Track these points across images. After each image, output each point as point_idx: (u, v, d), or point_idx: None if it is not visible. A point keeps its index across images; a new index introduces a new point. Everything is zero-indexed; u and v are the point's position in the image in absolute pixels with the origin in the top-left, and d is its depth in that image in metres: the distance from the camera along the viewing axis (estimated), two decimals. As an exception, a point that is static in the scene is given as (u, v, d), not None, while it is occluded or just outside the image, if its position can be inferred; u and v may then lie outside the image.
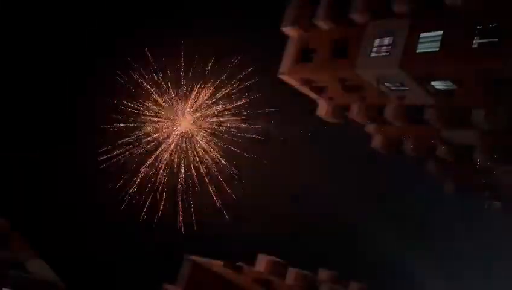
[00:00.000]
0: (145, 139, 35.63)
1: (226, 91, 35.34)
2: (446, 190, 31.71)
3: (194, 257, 27.54)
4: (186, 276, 26.62)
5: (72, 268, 32.50)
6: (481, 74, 19.78)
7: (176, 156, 35.76)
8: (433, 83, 21.96)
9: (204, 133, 36.65)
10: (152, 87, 35.40)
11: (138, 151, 35.38)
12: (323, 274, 31.33)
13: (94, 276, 35.60)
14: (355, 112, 28.23)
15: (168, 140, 36.00)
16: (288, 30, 27.93)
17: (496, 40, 19.00)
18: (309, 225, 41.39)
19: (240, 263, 30.45)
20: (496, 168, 25.87)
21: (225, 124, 36.37)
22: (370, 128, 30.79)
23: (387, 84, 24.16)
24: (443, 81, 21.64)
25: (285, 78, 28.71)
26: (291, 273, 30.29)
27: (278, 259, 31.49)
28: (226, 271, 27.62)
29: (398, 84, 23.80)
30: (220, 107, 36.08)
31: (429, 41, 21.23)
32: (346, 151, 39.43)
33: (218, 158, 36.15)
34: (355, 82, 25.51)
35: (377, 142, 30.97)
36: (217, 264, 28.37)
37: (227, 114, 36.20)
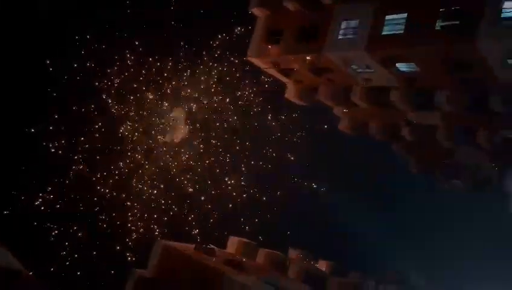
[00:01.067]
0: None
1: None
2: (410, 169, 32.75)
3: (164, 241, 27.44)
4: (157, 260, 26.52)
5: (37, 256, 31.86)
6: (443, 56, 20.31)
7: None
8: (397, 65, 22.42)
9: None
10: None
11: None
12: (292, 253, 32.03)
13: (63, 265, 35.12)
14: (323, 95, 28.54)
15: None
16: (256, 11, 27.67)
17: (458, 22, 19.47)
18: (279, 207, 41.95)
19: (211, 246, 30.62)
20: (457, 148, 26.86)
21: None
22: (338, 110, 31.23)
23: (354, 67, 24.48)
24: (407, 64, 22.12)
25: (253, 60, 28.60)
26: (262, 254, 30.72)
27: (248, 240, 31.82)
28: (197, 254, 27.70)
29: (364, 67, 24.15)
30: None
31: (394, 23, 21.57)
32: (315, 133, 40.01)
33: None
34: (322, 64, 25.68)
35: (344, 124, 31.50)
36: (187, 248, 28.39)
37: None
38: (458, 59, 20.23)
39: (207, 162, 38.96)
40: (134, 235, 36.34)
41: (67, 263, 34.65)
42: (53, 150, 34.70)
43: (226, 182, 39.39)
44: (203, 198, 38.43)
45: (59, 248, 34.70)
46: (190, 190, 38.15)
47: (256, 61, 28.45)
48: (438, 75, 21.85)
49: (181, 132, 37.98)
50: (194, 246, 28.68)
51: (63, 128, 34.97)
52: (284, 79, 30.17)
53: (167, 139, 37.20)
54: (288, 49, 26.02)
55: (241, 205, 39.91)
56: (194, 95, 37.67)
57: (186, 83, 37.35)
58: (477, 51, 18.85)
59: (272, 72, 29.17)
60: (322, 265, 30.08)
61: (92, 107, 35.70)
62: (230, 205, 39.33)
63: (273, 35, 26.82)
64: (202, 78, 37.12)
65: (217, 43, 36.47)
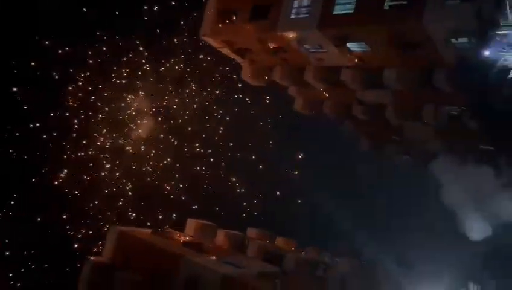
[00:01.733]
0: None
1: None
2: (362, 147, 33.83)
3: (119, 227, 26.91)
4: (112, 246, 26.01)
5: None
6: (391, 35, 20.86)
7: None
8: (348, 44, 22.79)
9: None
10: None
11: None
12: (251, 232, 32.41)
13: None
14: (277, 75, 28.63)
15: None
16: (208, -12, 27.14)
17: (405, 2, 20.00)
18: (237, 187, 42.20)
19: (169, 229, 30.39)
20: (405, 125, 27.96)
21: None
22: (292, 90, 31.51)
23: (307, 46, 24.67)
24: (357, 43, 22.55)
25: (207, 39, 28.12)
26: (221, 234, 30.87)
27: (206, 222, 31.82)
28: (154, 238, 27.41)
29: (316, 46, 24.39)
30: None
31: (345, 3, 21.82)
32: (271, 113, 40.27)
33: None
34: (276, 44, 25.69)
35: (298, 104, 31.89)
36: (144, 233, 28.03)
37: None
38: (406, 38, 20.85)
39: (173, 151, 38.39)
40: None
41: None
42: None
43: (195, 169, 39.12)
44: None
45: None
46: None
47: (209, 41, 27.99)
48: (387, 54, 22.45)
49: (147, 126, 37.04)
50: (150, 230, 28.35)
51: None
52: (239, 59, 29.95)
53: (133, 135, 36.20)
54: (241, 28, 25.77)
55: (207, 189, 39.89)
56: (156, 87, 36.72)
57: (146, 75, 36.26)
58: (424, 31, 19.51)
59: (226, 51, 28.83)
60: (280, 242, 30.67)
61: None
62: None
63: (226, 14, 26.43)
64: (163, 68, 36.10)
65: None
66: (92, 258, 25.60)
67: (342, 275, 24.15)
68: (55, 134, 34.53)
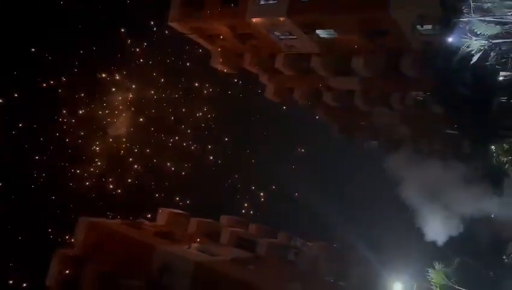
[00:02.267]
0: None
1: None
2: (332, 133, 34.37)
3: (88, 218, 26.44)
4: (82, 237, 25.57)
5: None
6: (359, 22, 21.16)
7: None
8: (317, 31, 22.98)
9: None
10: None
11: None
12: (224, 220, 32.54)
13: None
14: (247, 62, 28.56)
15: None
16: (175, -26, 26.58)
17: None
18: (208, 176, 42.10)
19: (140, 219, 30.09)
20: (373, 111, 28.52)
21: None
22: (264, 78, 31.50)
23: (277, 33, 24.70)
24: (326, 30, 22.76)
25: (175, 26, 27.62)
26: (193, 223, 30.85)
27: (178, 211, 31.70)
28: (125, 228, 27.11)
29: (286, 33, 24.46)
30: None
31: (314, -10, 21.94)
32: (242, 102, 40.19)
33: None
34: (246, 31, 25.57)
35: (270, 91, 31.93)
36: (115, 223, 27.65)
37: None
38: (373, 25, 21.22)
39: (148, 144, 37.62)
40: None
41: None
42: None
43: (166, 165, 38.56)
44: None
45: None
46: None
47: (177, 27, 27.51)
48: (355, 41, 22.77)
49: (124, 122, 36.00)
50: (120, 221, 28.00)
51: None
52: (208, 46, 29.62)
53: (111, 131, 35.15)
54: (210, 14, 25.47)
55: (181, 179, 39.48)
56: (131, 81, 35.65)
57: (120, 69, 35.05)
58: (390, 18, 19.90)
59: (196, 38, 28.45)
60: (253, 229, 30.95)
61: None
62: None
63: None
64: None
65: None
66: (60, 249, 25.09)
67: (313, 258, 24.67)
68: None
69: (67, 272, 23.66)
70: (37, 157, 33.59)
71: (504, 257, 26.04)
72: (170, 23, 27.22)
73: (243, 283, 21.77)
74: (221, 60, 29.62)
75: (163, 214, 31.72)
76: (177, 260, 23.74)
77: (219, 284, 22.13)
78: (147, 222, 30.05)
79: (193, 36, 28.11)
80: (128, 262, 23.97)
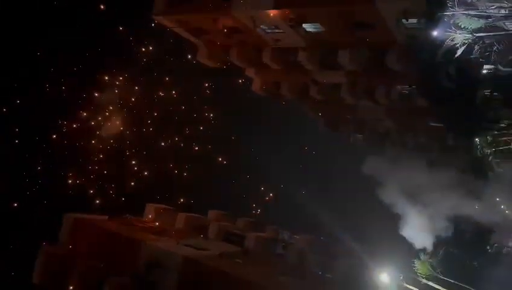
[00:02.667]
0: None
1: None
2: (319, 126, 34.56)
3: (73, 214, 26.13)
4: (68, 234, 25.28)
5: None
6: (345, 16, 21.25)
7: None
8: (304, 25, 23.00)
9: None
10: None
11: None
12: (212, 214, 32.50)
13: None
14: (234, 56, 28.40)
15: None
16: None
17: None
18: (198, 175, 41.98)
19: (127, 215, 29.85)
20: (358, 105, 28.77)
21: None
22: (250, 71, 31.41)
23: (263, 27, 24.63)
24: (312, 24, 22.79)
25: (160, 19, 27.31)
26: (181, 218, 30.74)
27: (165, 206, 31.54)
28: (111, 224, 26.88)
29: (272, 27, 24.41)
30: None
31: (300, -17, 21.91)
32: (228, 95, 40.04)
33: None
34: (233, 24, 25.42)
35: (256, 85, 31.88)
36: (101, 219, 27.38)
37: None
38: (359, 19, 21.33)
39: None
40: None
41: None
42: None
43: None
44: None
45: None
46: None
47: (162, 20, 27.20)
48: (341, 35, 22.87)
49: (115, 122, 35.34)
50: (107, 217, 27.75)
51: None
52: (193, 40, 29.37)
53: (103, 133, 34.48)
54: (196, 7, 25.25)
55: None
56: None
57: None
58: (375, 12, 20.01)
59: (180, 31, 28.18)
60: (240, 223, 30.99)
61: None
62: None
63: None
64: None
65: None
66: (46, 245, 24.78)
67: (300, 251, 24.84)
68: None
69: (53, 269, 23.39)
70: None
71: (488, 247, 26.62)
72: (155, 17, 26.89)
73: (231, 277, 21.81)
74: (207, 54, 29.42)
75: (150, 210, 31.53)
76: (165, 255, 23.64)
77: (207, 279, 22.14)
78: (133, 218, 29.84)
79: (178, 30, 27.83)
80: (115, 258, 23.80)
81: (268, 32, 24.88)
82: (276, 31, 24.46)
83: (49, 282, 24.10)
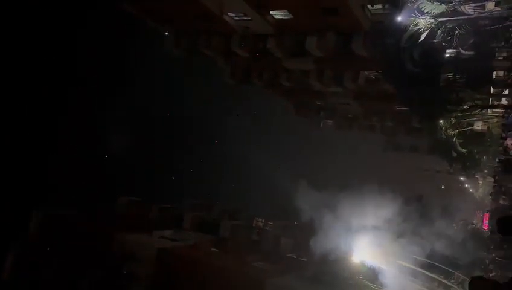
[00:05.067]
0: None
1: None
2: (290, 113, 34.84)
3: (43, 210, 25.50)
4: (37, 230, 24.68)
5: None
6: (311, 2, 21.31)
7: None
8: (272, 12, 22.94)
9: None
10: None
11: None
12: (186, 204, 32.38)
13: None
14: (203, 44, 28.06)
15: None
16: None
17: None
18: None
19: (99, 209, 29.35)
20: (327, 91, 29.11)
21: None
22: (220, 60, 31.11)
23: (231, 14, 24.40)
24: (280, 11, 22.77)
25: (126, 7, 26.63)
26: (155, 209, 30.53)
27: (137, 198, 31.21)
28: (82, 219, 26.42)
29: (241, 14, 24.22)
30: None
31: (266, -30, 21.76)
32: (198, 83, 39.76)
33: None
34: (200, 12, 25.03)
35: (227, 73, 31.65)
36: (71, 215, 26.83)
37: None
38: (325, 5, 21.44)
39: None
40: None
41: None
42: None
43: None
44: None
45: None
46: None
47: (129, 9, 26.52)
48: (308, 21, 22.94)
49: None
50: (77, 212, 27.22)
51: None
52: (162, 29, 28.85)
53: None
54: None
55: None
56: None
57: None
58: (342, -2, 20.19)
59: (149, 20, 27.59)
60: (216, 212, 31.04)
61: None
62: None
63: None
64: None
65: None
66: (16, 243, 24.18)
67: (275, 237, 25.19)
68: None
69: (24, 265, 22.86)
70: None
71: (454, 225, 27.74)
72: (120, 5, 26.18)
73: (206, 266, 21.94)
74: (175, 42, 28.94)
75: (121, 202, 31.14)
76: (139, 248, 23.49)
77: (183, 269, 22.18)
78: (106, 211, 29.39)
79: (147, 18, 27.24)
80: (90, 252, 23.45)
81: (236, 20, 24.68)
82: (245, 18, 24.28)
83: (21, 278, 23.58)
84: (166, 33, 29.01)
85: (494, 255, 14.06)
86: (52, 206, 27.49)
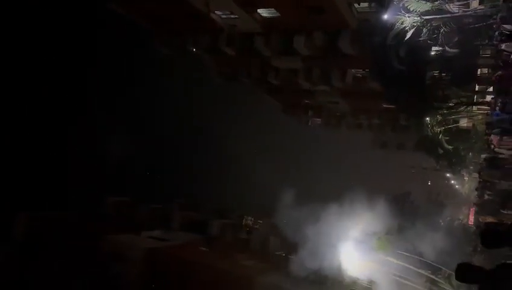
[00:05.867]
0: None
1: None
2: (280, 111, 34.88)
3: (28, 212, 25.16)
4: (23, 231, 24.36)
5: None
6: (298, 1, 21.36)
7: None
8: (259, 10, 22.92)
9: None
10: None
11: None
12: (175, 204, 32.22)
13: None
14: (191, 43, 27.93)
15: None
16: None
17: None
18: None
19: (87, 210, 29.07)
20: (315, 89, 29.20)
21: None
22: (208, 59, 30.99)
23: (218, 13, 24.33)
24: (267, 9, 22.77)
25: (115, 7, 26.38)
26: (143, 209, 30.33)
27: (125, 198, 30.97)
28: (70, 220, 26.13)
29: (228, 12, 24.16)
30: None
31: (253, -32, 21.74)
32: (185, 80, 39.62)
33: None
34: (188, 10, 24.92)
35: (214, 71, 31.56)
36: (58, 216, 26.51)
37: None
38: (312, 3, 21.51)
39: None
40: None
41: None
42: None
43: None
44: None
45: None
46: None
47: (118, 8, 26.28)
48: (295, 20, 22.98)
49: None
50: (66, 213, 26.95)
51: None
52: (151, 27, 28.66)
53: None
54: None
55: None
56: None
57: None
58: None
59: (139, 19, 27.41)
60: (204, 211, 30.95)
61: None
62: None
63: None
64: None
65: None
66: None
67: (264, 235, 25.20)
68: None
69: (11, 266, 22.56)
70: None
71: (440, 221, 28.07)
72: (110, 4, 25.91)
73: (195, 266, 21.85)
74: (162, 41, 28.79)
75: (110, 203, 30.88)
76: (128, 248, 23.31)
77: (172, 269, 22.07)
78: (95, 211, 29.14)
79: (137, 18, 27.05)
80: (78, 253, 23.21)
81: (223, 18, 24.61)
82: (232, 16, 24.22)
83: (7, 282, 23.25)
84: (154, 32, 28.85)
85: (479, 249, 14.28)
86: (40, 207, 27.23)
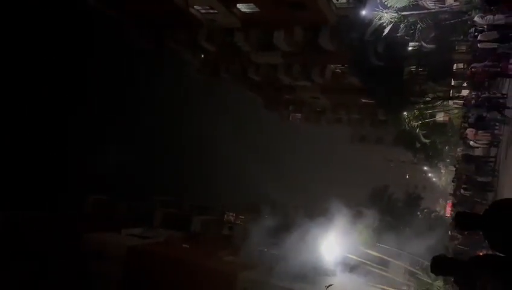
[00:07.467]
0: None
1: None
2: (260, 107, 34.90)
3: (10, 212, 24.58)
4: (1, 230, 23.77)
5: None
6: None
7: None
8: (238, 5, 22.77)
9: None
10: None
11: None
12: (157, 201, 31.92)
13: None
14: (170, 38, 27.57)
15: None
16: None
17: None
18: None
19: (67, 210, 28.60)
20: (295, 85, 29.31)
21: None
22: (188, 55, 30.68)
23: (197, 7, 24.06)
24: (246, 4, 22.64)
25: (93, 3, 25.79)
26: (123, 207, 30.01)
27: (104, 197, 30.58)
28: (47, 219, 25.61)
29: (207, 7, 23.92)
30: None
31: (231, -37, 21.56)
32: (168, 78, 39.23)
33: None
34: (166, 5, 24.58)
35: (195, 68, 31.27)
36: (37, 215, 25.95)
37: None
38: (291, 0, 21.47)
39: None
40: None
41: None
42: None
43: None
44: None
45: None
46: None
47: (96, 4, 25.74)
48: (275, 15, 22.94)
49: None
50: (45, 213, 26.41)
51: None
52: (129, 22, 28.13)
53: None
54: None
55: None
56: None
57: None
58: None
59: (116, 16, 26.88)
60: (186, 208, 30.80)
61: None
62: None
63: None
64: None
65: None
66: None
67: (246, 231, 25.22)
68: None
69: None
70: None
71: (418, 213, 28.62)
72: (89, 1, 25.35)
73: (177, 262, 21.75)
74: (142, 37, 28.34)
75: (90, 202, 30.43)
76: (107, 246, 23.03)
77: (154, 266, 21.90)
78: (74, 210, 28.65)
79: (111, 12, 26.50)
80: (57, 252, 22.80)
81: (203, 13, 24.36)
82: (211, 11, 24.00)
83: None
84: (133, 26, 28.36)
85: (455, 242, 14.67)
86: (18, 207, 26.60)
